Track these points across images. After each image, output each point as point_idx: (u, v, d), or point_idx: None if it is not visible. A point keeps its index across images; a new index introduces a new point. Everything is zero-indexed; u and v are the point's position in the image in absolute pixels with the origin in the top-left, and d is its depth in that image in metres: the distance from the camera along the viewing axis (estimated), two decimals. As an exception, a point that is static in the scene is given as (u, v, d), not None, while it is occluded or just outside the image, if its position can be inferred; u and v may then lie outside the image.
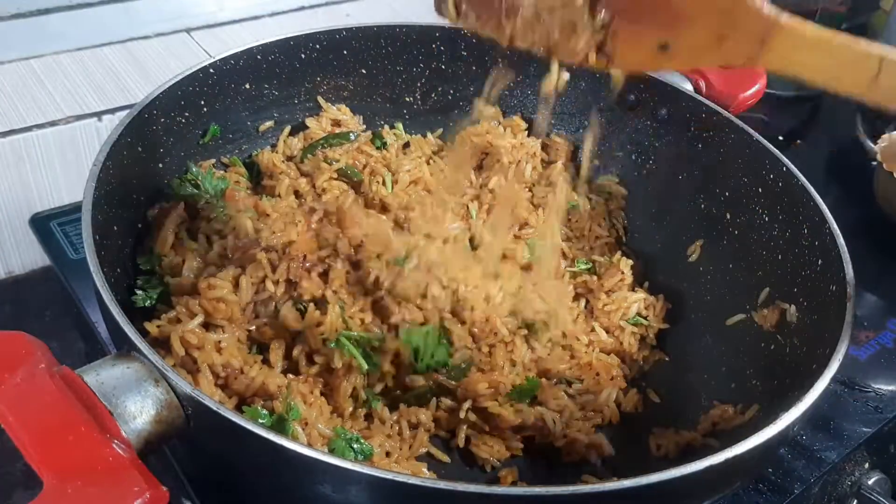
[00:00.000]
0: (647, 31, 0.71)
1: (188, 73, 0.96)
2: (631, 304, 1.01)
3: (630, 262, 1.06)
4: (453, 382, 0.87)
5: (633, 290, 1.04)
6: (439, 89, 1.17)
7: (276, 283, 0.84)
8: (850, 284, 0.81)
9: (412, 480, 0.61)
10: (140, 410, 0.64)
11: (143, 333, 0.77)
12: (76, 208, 1.07)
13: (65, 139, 1.08)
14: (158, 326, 0.80)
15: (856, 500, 1.00)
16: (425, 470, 0.83)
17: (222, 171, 1.01)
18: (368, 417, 0.86)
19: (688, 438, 0.88)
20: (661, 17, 0.70)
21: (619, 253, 1.08)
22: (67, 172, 1.10)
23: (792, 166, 0.96)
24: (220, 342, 0.80)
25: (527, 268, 1.00)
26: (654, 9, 0.70)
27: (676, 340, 1.02)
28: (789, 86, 1.57)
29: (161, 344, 0.80)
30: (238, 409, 0.77)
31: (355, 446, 0.75)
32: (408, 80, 1.15)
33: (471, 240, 1.00)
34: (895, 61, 0.66)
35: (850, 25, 1.98)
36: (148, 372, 0.65)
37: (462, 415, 0.86)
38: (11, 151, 1.05)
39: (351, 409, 0.84)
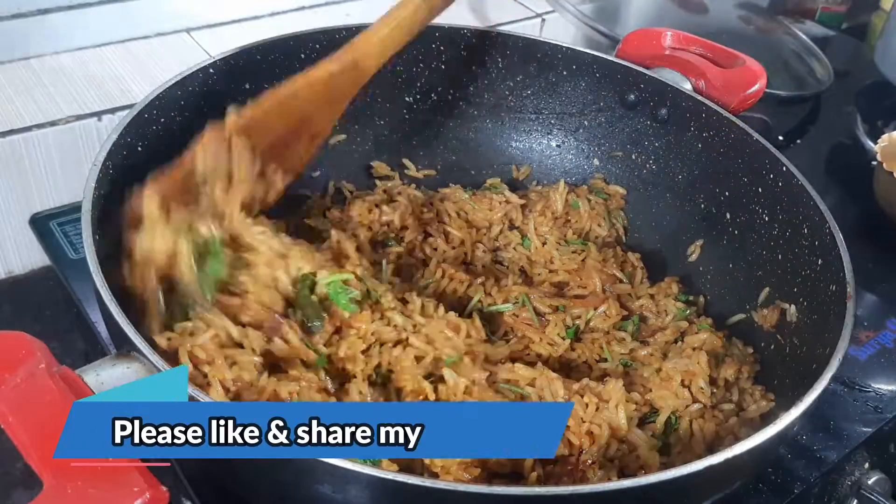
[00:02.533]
0: (297, 143, 0.92)
1: (188, 73, 0.96)
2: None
3: (637, 254, 1.06)
4: None
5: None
6: (439, 89, 1.17)
7: None
8: (850, 284, 0.81)
9: (412, 480, 0.61)
10: (140, 410, 0.63)
11: (153, 344, 0.75)
12: (76, 208, 1.07)
13: (65, 139, 1.08)
14: (168, 339, 0.77)
15: (856, 500, 1.00)
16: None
17: None
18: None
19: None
20: (296, 130, 0.91)
21: (617, 248, 1.08)
22: (67, 172, 1.10)
23: (792, 166, 0.96)
24: (233, 357, 0.77)
25: None
26: (288, 134, 0.90)
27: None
28: (789, 86, 1.57)
29: (171, 357, 0.78)
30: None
31: None
32: (408, 80, 1.15)
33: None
34: None
35: (850, 25, 1.98)
36: (148, 372, 0.65)
37: None
38: (11, 151, 1.05)
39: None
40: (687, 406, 0.85)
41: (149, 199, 0.79)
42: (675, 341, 0.94)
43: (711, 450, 0.81)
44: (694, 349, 0.90)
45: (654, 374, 0.88)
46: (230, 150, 0.84)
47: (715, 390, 0.87)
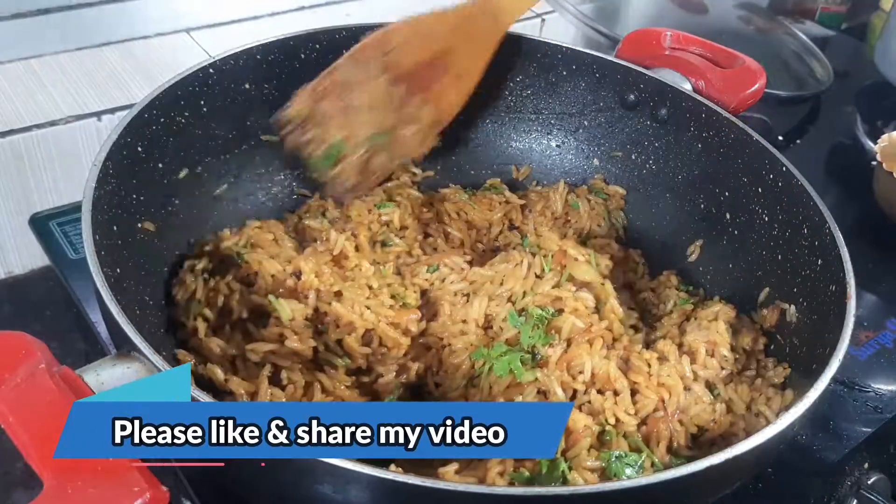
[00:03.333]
0: (440, 80, 0.97)
1: (188, 73, 0.96)
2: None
3: (638, 250, 1.06)
4: None
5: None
6: (439, 89, 1.16)
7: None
8: (850, 284, 0.81)
9: (412, 480, 0.61)
10: (140, 410, 0.63)
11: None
12: (76, 208, 1.07)
13: (65, 139, 1.08)
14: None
15: (856, 500, 1.00)
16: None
17: None
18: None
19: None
20: (438, 66, 0.96)
21: (618, 247, 1.08)
22: (67, 172, 1.10)
23: (792, 166, 0.96)
24: None
25: None
26: (430, 67, 0.96)
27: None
28: (789, 86, 1.57)
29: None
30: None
31: None
32: (408, 80, 1.15)
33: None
34: None
35: (850, 25, 1.98)
36: (148, 372, 0.65)
37: None
38: (11, 151, 1.05)
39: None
40: (716, 374, 0.87)
41: (298, 101, 0.95)
42: (682, 323, 0.96)
43: (750, 409, 0.85)
44: (710, 321, 0.93)
45: (674, 350, 0.89)
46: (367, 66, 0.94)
47: (737, 356, 0.90)
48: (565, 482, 0.75)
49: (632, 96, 1.12)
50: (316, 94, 0.97)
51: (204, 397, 0.63)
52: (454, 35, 0.97)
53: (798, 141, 1.52)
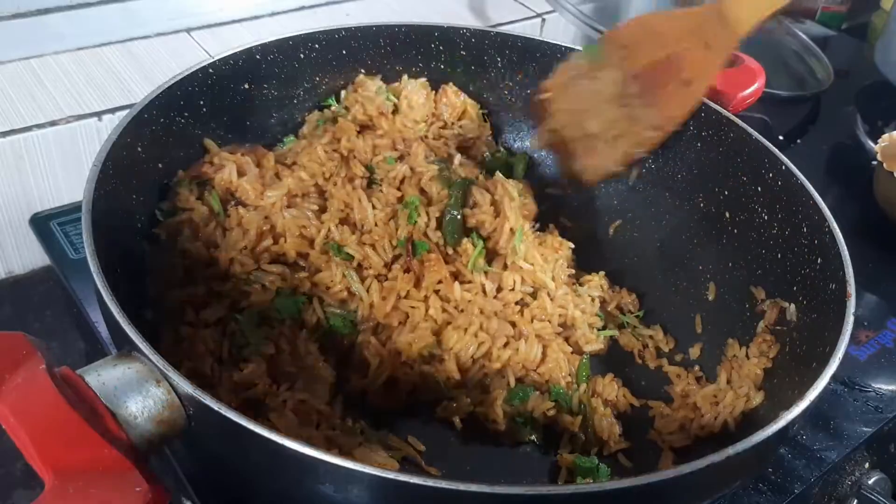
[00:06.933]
0: (669, 84, 0.92)
1: (188, 73, 0.96)
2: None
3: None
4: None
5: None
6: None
7: None
8: (849, 284, 0.82)
9: (414, 480, 0.61)
10: (141, 411, 0.64)
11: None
12: (76, 208, 1.07)
13: (65, 139, 1.08)
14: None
15: (856, 500, 1.00)
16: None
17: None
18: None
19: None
20: (668, 68, 0.92)
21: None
22: (67, 172, 1.10)
23: (791, 166, 0.96)
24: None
25: None
26: (661, 69, 0.91)
27: (676, 340, 1.02)
28: (789, 86, 1.57)
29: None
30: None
31: None
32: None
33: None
34: None
35: (850, 25, 1.98)
36: (149, 372, 0.65)
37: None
38: (11, 151, 1.05)
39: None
40: None
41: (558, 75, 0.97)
42: None
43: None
44: None
45: None
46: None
47: None
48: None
49: (632, 96, 1.12)
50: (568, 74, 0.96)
51: (207, 399, 0.63)
52: (688, 39, 0.91)
53: (798, 141, 1.52)
